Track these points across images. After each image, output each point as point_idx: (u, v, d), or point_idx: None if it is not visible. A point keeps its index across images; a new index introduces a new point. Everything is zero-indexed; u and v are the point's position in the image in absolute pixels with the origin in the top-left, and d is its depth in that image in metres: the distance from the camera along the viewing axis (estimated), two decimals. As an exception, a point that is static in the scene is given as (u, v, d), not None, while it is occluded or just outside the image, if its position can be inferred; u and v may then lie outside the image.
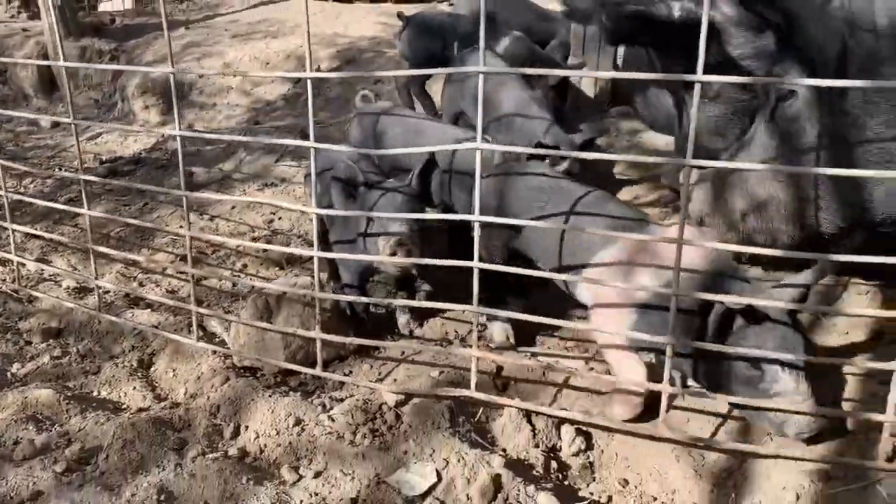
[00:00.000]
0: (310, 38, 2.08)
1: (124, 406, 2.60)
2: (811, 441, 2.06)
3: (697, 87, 1.76)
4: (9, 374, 2.83)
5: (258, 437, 2.26)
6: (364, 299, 2.66)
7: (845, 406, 2.22)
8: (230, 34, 8.30)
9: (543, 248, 2.50)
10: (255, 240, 3.93)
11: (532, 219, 2.40)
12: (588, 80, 5.00)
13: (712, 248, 2.04)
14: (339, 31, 8.09)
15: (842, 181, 2.15)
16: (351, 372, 2.67)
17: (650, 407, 2.24)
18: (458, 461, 2.07)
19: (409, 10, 5.43)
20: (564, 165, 3.25)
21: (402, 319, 2.99)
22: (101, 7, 10.33)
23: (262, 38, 7.84)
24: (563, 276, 2.31)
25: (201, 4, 10.45)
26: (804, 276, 2.06)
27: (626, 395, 2.29)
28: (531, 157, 2.83)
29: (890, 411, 1.85)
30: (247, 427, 2.31)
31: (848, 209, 2.19)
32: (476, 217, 2.09)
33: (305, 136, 4.61)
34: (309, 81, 2.13)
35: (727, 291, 2.04)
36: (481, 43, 1.88)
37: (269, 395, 2.39)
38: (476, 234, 2.11)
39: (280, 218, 4.15)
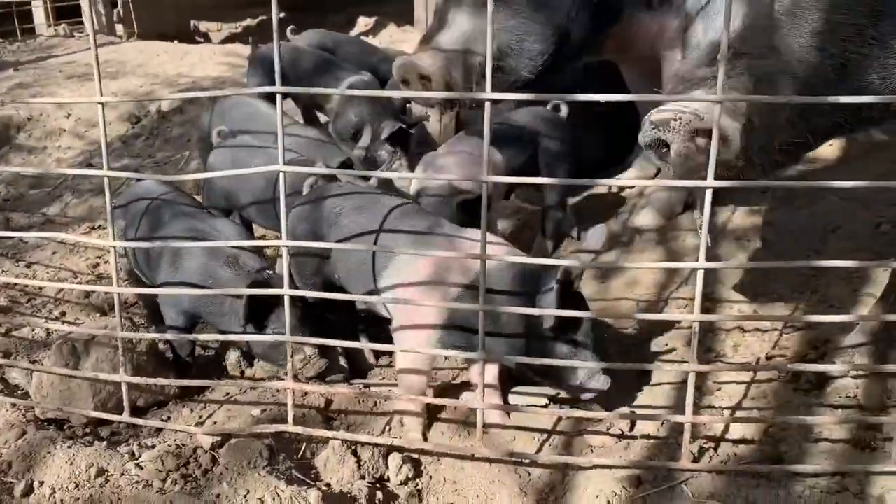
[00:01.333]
0: (99, 68, 1.99)
1: None
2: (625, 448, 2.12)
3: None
4: None
5: (54, 492, 2.06)
6: (168, 336, 2.51)
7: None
8: (65, 75, 7.84)
9: (346, 270, 2.41)
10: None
11: (340, 239, 2.34)
12: (434, 117, 5.07)
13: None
14: (183, 71, 7.84)
15: None
16: (170, 417, 2.50)
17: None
18: (273, 500, 1.97)
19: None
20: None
21: (233, 358, 2.85)
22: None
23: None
24: (367, 298, 2.26)
25: (34, 46, 9.85)
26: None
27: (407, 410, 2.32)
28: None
29: (688, 412, 1.93)
30: (41, 483, 2.09)
31: None
32: (284, 242, 2.03)
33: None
34: (100, 107, 2.04)
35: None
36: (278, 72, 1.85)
37: (69, 447, 2.18)
38: (285, 260, 2.05)
39: (106, 262, 3.89)
